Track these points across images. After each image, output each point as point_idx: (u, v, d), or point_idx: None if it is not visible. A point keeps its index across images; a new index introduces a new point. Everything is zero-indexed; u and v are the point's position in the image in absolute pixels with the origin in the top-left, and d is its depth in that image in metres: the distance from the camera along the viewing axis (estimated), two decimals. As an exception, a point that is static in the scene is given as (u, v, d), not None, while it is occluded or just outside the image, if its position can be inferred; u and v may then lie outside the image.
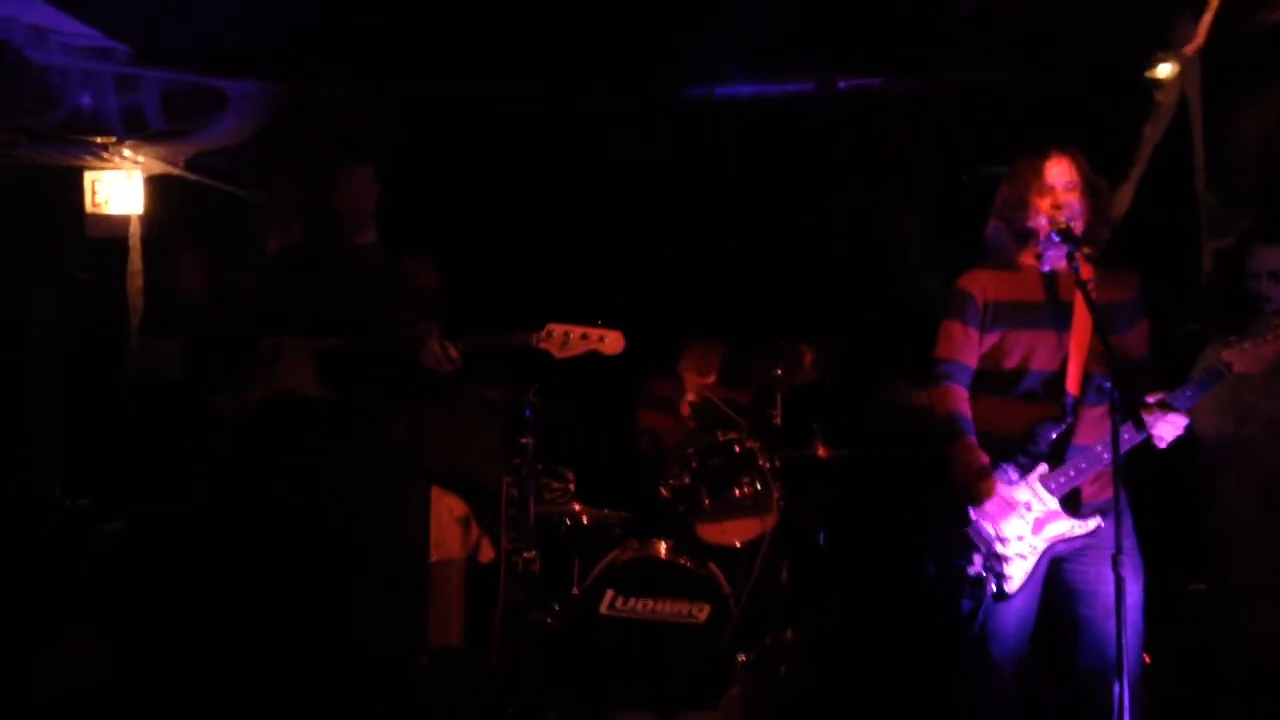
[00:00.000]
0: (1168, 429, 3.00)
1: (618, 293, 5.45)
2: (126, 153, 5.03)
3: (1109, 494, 3.07)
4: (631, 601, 4.32)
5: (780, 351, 4.88)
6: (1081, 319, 3.08)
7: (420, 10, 4.47)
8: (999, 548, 3.08)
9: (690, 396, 5.13)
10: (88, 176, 5.14)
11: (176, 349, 5.28)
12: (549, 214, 5.48)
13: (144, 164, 5.12)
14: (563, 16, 4.56)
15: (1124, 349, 3.09)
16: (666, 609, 4.31)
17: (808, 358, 4.89)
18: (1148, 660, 3.70)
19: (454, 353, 3.55)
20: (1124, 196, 4.32)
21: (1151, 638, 3.24)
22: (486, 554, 4.99)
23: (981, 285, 3.20)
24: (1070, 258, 2.99)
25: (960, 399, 3.19)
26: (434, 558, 4.81)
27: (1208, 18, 3.94)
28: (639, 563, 4.38)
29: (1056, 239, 3.03)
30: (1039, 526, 3.07)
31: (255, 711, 3.82)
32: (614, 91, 5.16)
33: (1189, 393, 3.04)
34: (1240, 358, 3.05)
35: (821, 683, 4.44)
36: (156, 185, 5.22)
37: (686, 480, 4.66)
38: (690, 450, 4.70)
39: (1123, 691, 2.79)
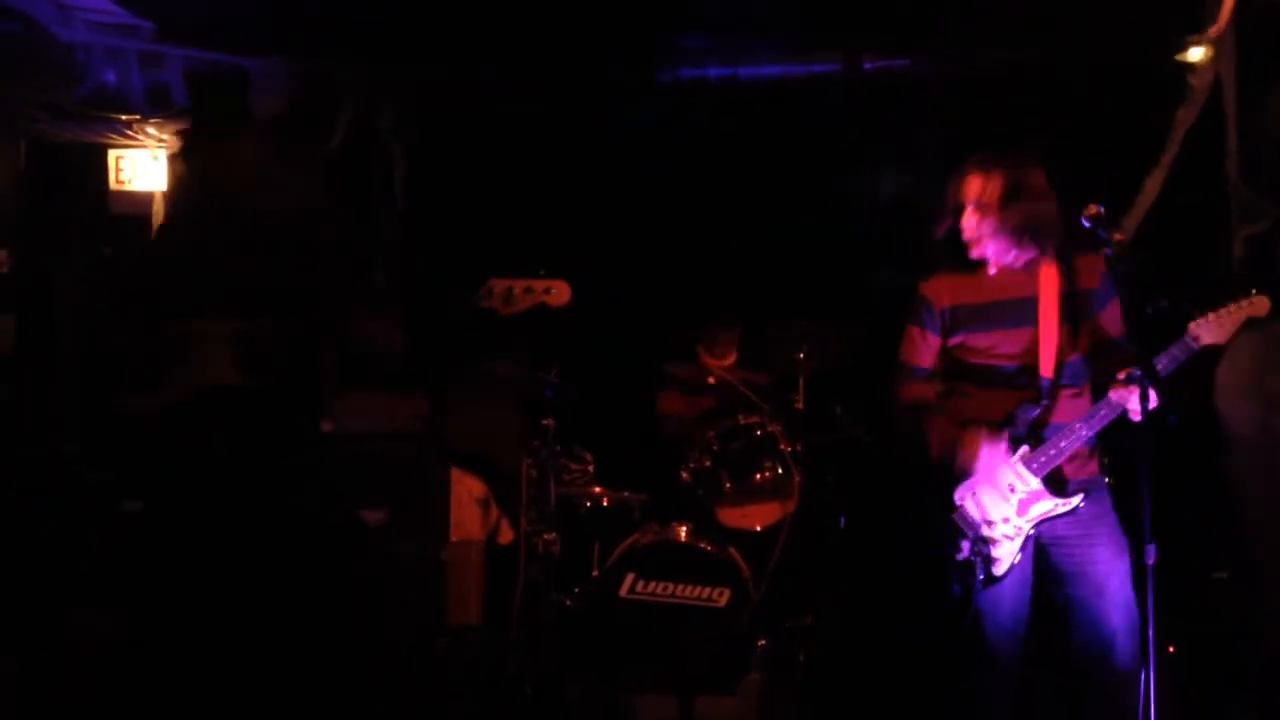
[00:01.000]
0: (1140, 401, 3.01)
1: (638, 275, 5.45)
2: (150, 130, 5.03)
3: (1086, 473, 3.18)
4: (651, 585, 4.31)
5: (802, 334, 4.86)
6: (1048, 307, 3.15)
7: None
8: (985, 531, 3.14)
9: (710, 379, 5.11)
10: (112, 153, 5.15)
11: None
12: (567, 196, 5.45)
13: (168, 141, 5.12)
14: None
15: (1098, 329, 3.17)
16: (686, 593, 4.30)
17: (830, 341, 4.86)
18: (1171, 650, 3.68)
19: (388, 327, 3.38)
20: (1155, 181, 4.28)
21: (1172, 627, 3.25)
22: (506, 535, 4.99)
23: (938, 291, 3.29)
24: (1104, 242, 2.98)
25: (920, 389, 3.32)
26: (453, 538, 4.81)
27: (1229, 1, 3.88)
28: (659, 546, 4.37)
29: (1087, 225, 3.02)
30: (1023, 508, 3.13)
31: (276, 691, 3.84)
32: (633, 71, 5.13)
33: (1160, 365, 3.04)
34: (1206, 329, 3.04)
35: (840, 668, 4.43)
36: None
37: (707, 463, 4.65)
38: (711, 433, 4.68)
39: (1149, 680, 2.82)
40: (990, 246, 3.19)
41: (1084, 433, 3.10)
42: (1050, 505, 3.12)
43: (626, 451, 5.10)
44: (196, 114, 4.81)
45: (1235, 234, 4.11)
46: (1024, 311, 3.18)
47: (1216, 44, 4.16)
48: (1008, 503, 3.14)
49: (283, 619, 4.08)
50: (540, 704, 4.23)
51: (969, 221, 3.19)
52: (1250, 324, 3.82)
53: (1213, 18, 4.18)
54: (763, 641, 4.31)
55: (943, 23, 4.77)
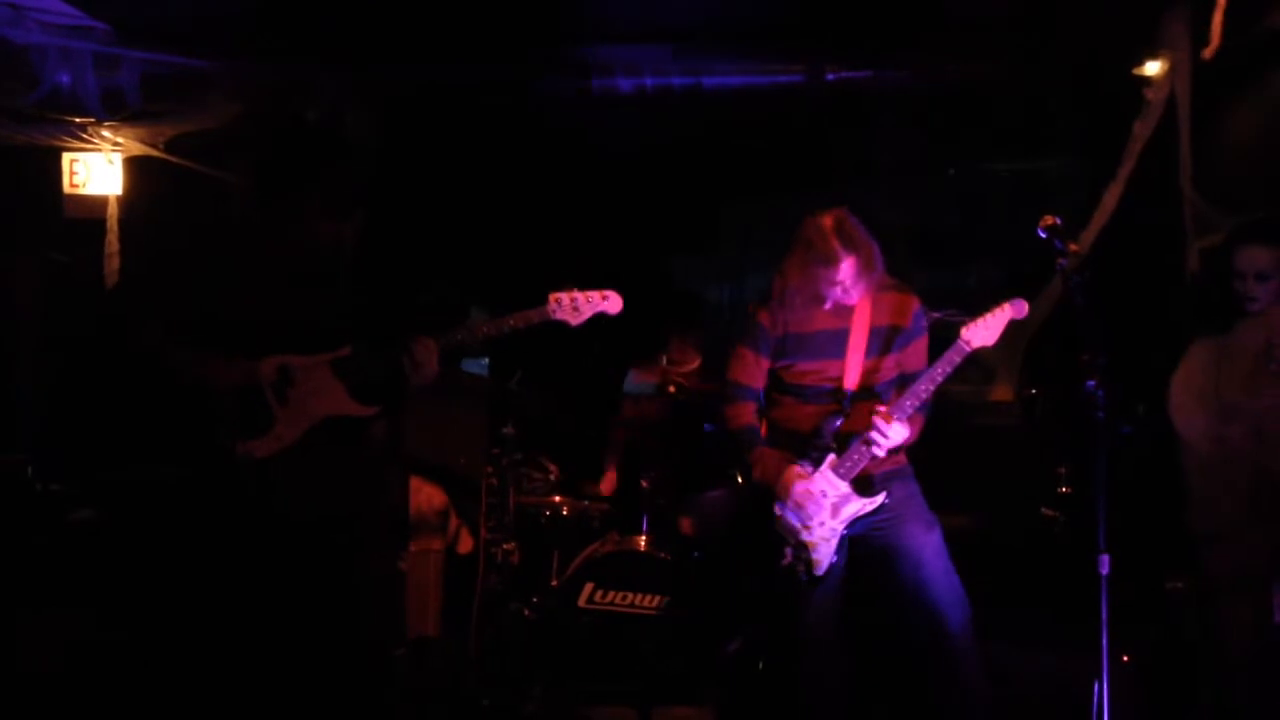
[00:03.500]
0: (896, 435, 3.30)
1: (600, 283, 5.42)
2: (105, 133, 4.97)
3: (892, 464, 3.45)
4: (610, 594, 4.30)
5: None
6: (858, 338, 3.44)
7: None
8: (804, 535, 3.37)
9: (670, 388, 5.10)
10: (66, 157, 5.09)
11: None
12: (527, 203, 5.44)
13: (123, 145, 5.06)
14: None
15: (902, 362, 3.48)
16: (645, 602, 4.29)
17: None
18: (1125, 659, 3.71)
19: (433, 355, 3.34)
20: (1112, 194, 4.32)
21: (1127, 636, 3.33)
22: (465, 544, 4.96)
23: (774, 320, 3.53)
24: (1060, 254, 3.11)
25: (748, 413, 3.59)
26: (412, 548, 4.78)
27: (1218, 17, 3.90)
28: (618, 555, 4.36)
29: (1044, 235, 3.12)
30: (836, 510, 3.36)
31: (230, 702, 3.79)
32: (597, 78, 5.11)
33: (939, 370, 3.29)
34: (975, 333, 3.25)
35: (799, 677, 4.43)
36: (136, 166, 5.16)
37: (667, 472, 4.64)
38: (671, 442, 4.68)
39: (1103, 689, 2.93)
40: (850, 290, 3.39)
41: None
42: (859, 505, 3.37)
43: (589, 460, 5.09)
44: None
45: (1189, 246, 4.15)
46: (839, 342, 3.45)
47: (1173, 59, 4.21)
48: (823, 508, 3.36)
49: (237, 629, 4.03)
50: (498, 716, 4.20)
51: (847, 270, 3.36)
52: (1203, 335, 3.91)
53: (1170, 33, 4.23)
54: (721, 650, 4.30)
55: (906, 35, 4.80)
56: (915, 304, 3.51)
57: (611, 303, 3.48)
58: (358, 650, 3.75)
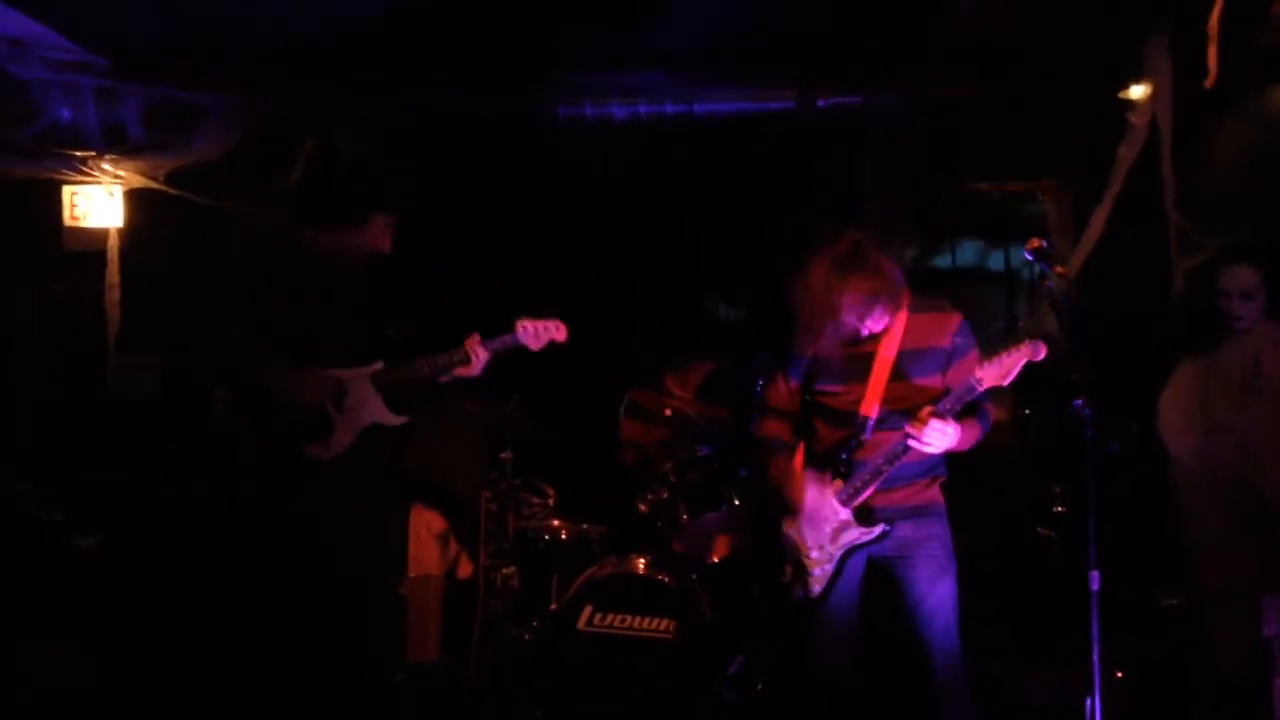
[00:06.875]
0: (935, 436, 3.20)
1: (605, 307, 5.48)
2: (106, 166, 5.01)
3: (919, 500, 3.41)
4: (610, 617, 4.31)
5: (762, 366, 4.89)
6: (883, 362, 3.39)
7: (401, 19, 4.49)
8: (803, 557, 3.44)
9: (666, 411, 5.13)
10: (66, 190, 5.12)
11: (154, 364, 5.25)
12: (533, 228, 5.49)
13: (124, 178, 5.10)
14: (536, 27, 4.60)
15: (949, 382, 3.35)
16: (644, 625, 4.30)
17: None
18: (1119, 675, 3.75)
19: (484, 354, 3.84)
20: (1099, 216, 4.37)
21: (1121, 652, 3.38)
22: (465, 569, 4.99)
23: (804, 340, 3.52)
24: (1044, 275, 3.17)
25: (771, 427, 3.65)
26: (412, 573, 4.80)
27: (1212, 50, 3.95)
28: (617, 578, 4.37)
29: (1030, 258, 3.17)
30: (835, 536, 3.40)
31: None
32: (592, 106, 5.17)
33: (943, 405, 3.21)
34: (989, 372, 3.14)
35: (798, 699, 4.45)
36: (136, 198, 5.21)
37: (665, 495, 4.67)
38: (668, 465, 4.71)
39: (1095, 705, 2.97)
40: (866, 323, 3.37)
41: (882, 465, 3.31)
42: (856, 533, 3.37)
43: (588, 483, 5.11)
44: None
45: (1175, 267, 4.20)
46: (863, 366, 3.41)
47: (1155, 83, 4.28)
48: (823, 532, 3.40)
49: (239, 654, 4.05)
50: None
51: (849, 314, 3.32)
52: (1190, 354, 3.97)
53: (1153, 59, 4.30)
54: (721, 672, 4.32)
55: (897, 61, 4.87)
56: (955, 321, 3.42)
57: (560, 332, 3.92)
58: (362, 671, 3.85)
